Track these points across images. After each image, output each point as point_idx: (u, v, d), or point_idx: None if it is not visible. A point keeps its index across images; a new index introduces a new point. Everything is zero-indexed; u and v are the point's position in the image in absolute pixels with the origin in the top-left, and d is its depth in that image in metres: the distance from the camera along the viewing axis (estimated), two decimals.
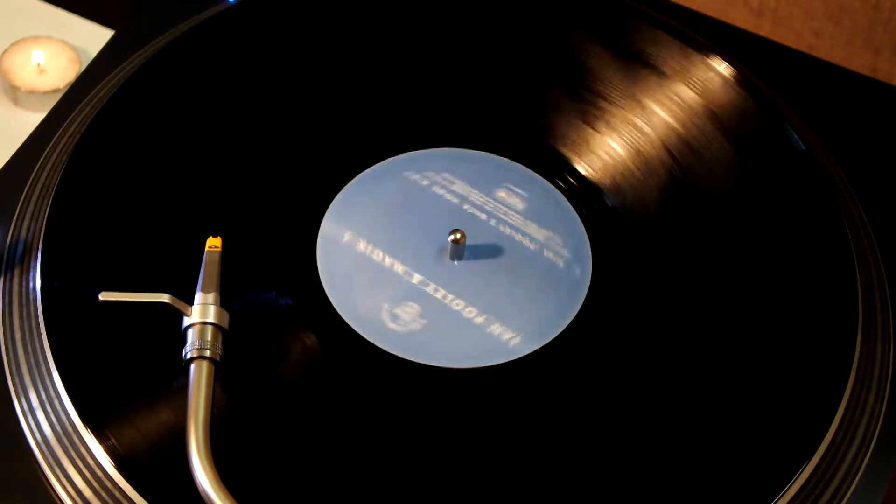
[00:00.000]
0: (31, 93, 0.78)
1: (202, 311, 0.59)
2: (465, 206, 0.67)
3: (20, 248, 0.64)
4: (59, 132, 0.69)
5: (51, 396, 0.59)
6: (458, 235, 0.64)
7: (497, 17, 0.74)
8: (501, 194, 0.68)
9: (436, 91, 0.72)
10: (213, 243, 0.62)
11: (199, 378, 0.57)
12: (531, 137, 0.70)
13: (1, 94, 0.79)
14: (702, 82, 0.71)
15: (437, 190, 0.68)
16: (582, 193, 0.68)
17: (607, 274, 0.65)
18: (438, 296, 0.64)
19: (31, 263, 0.63)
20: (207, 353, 0.58)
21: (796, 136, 0.68)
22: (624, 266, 0.66)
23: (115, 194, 0.65)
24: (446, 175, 0.68)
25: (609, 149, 0.70)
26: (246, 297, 0.62)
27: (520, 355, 0.62)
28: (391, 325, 0.63)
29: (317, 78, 0.71)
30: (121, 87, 0.69)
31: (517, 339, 0.63)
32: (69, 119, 0.70)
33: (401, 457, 0.58)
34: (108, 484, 0.57)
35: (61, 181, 0.65)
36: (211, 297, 0.59)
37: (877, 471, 0.60)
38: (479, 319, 0.63)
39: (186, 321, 0.59)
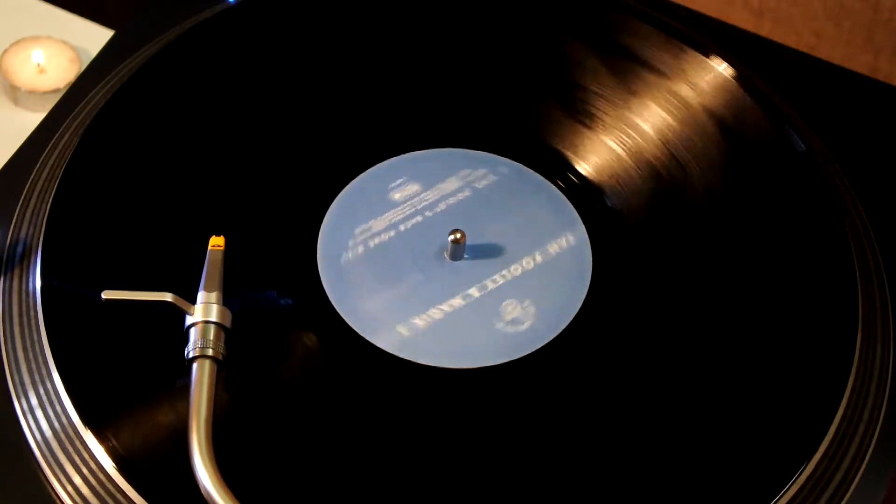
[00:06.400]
0: (31, 93, 0.78)
1: (205, 310, 0.59)
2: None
3: (20, 248, 0.64)
4: (59, 132, 0.69)
5: (51, 396, 0.59)
6: (458, 235, 0.64)
7: (497, 18, 0.74)
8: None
9: (436, 91, 0.72)
10: (216, 242, 0.62)
11: (201, 377, 0.57)
12: (531, 137, 0.70)
13: (1, 94, 0.79)
14: (702, 82, 0.71)
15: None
16: (582, 193, 0.68)
17: (607, 274, 0.65)
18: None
19: (31, 263, 0.63)
20: (210, 352, 0.58)
21: (797, 137, 0.68)
22: (624, 266, 0.66)
23: (116, 194, 0.65)
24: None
25: (609, 149, 0.70)
26: (247, 297, 0.62)
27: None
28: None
29: (317, 78, 0.71)
30: (121, 87, 0.69)
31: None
32: (69, 119, 0.70)
33: (401, 457, 0.58)
34: (108, 484, 0.57)
35: (61, 181, 0.65)
36: (213, 295, 0.59)
37: (877, 471, 0.60)
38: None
39: (189, 320, 0.59)
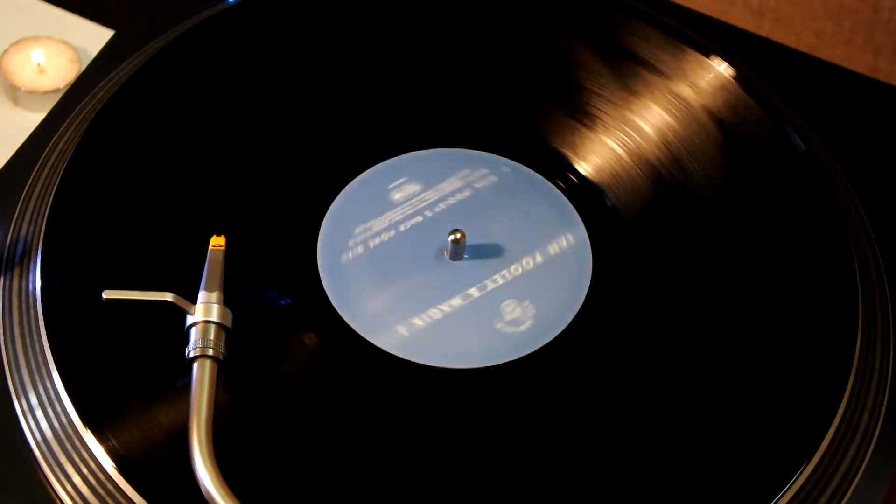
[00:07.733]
0: (31, 93, 0.78)
1: (205, 310, 0.59)
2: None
3: (20, 248, 0.64)
4: (59, 132, 0.69)
5: (51, 396, 0.59)
6: (458, 235, 0.64)
7: (496, 18, 0.74)
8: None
9: (436, 91, 0.72)
10: (217, 242, 0.62)
11: (201, 377, 0.57)
12: (531, 137, 0.70)
13: (1, 94, 0.79)
14: (702, 82, 0.71)
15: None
16: (582, 193, 0.68)
17: (607, 274, 0.65)
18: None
19: (31, 263, 0.63)
20: (210, 351, 0.58)
21: (796, 137, 0.68)
22: (624, 266, 0.66)
23: (116, 194, 0.65)
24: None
25: (609, 149, 0.70)
26: (248, 297, 0.62)
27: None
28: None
29: (317, 78, 0.71)
30: (121, 87, 0.69)
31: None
32: (69, 119, 0.70)
33: (401, 456, 0.58)
34: (108, 484, 0.57)
35: (61, 181, 0.65)
36: (214, 295, 0.59)
37: (877, 471, 0.60)
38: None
39: (190, 320, 0.59)
